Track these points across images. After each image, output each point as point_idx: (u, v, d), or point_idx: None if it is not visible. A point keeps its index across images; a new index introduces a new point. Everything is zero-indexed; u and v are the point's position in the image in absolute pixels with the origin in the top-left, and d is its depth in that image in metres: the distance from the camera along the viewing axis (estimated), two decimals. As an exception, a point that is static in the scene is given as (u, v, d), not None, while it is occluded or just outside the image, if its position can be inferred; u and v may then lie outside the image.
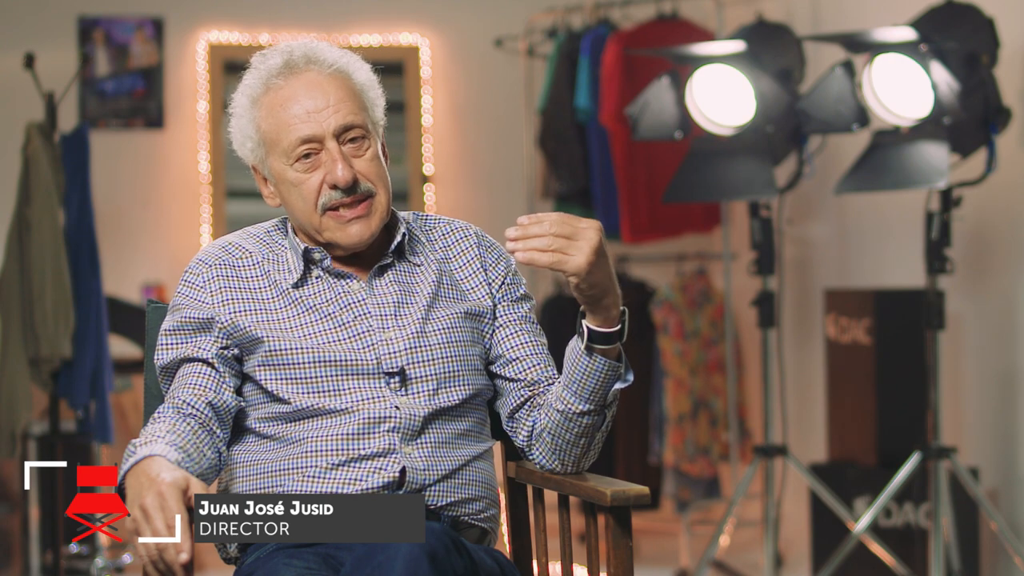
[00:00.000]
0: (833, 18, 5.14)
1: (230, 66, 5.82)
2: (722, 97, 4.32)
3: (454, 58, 6.05)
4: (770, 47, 4.44)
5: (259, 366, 2.24)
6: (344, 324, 2.25)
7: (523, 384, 2.32)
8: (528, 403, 2.32)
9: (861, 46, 4.17)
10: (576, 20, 5.63)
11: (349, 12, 5.99)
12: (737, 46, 4.35)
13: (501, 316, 2.35)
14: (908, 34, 4.00)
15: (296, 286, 2.28)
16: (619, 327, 2.16)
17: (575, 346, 2.19)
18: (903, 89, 4.04)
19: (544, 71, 5.66)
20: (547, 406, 2.27)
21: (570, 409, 2.22)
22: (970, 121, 3.98)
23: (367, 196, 2.25)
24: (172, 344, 2.26)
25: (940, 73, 3.92)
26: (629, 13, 5.55)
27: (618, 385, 2.20)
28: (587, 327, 2.16)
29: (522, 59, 5.82)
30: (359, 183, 2.24)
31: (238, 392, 2.26)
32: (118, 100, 5.78)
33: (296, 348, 2.22)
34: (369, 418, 2.20)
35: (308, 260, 2.29)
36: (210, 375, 2.22)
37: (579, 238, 2.09)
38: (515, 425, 2.33)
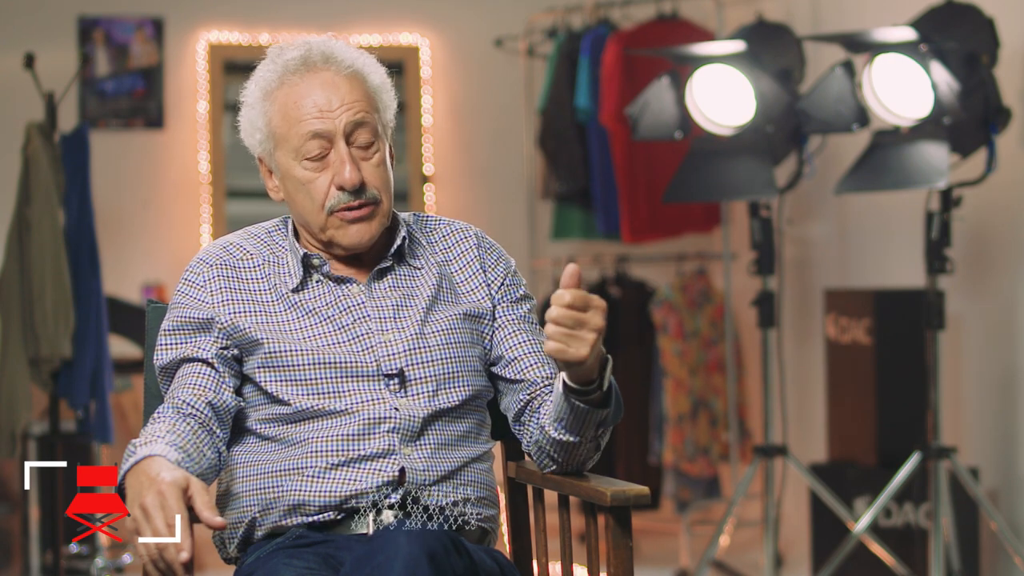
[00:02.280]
0: (833, 18, 5.14)
1: (230, 66, 5.82)
2: (722, 97, 4.32)
3: (454, 58, 6.05)
4: (770, 47, 4.44)
5: (259, 368, 2.24)
6: (343, 327, 2.25)
7: (524, 385, 2.32)
8: (529, 406, 2.31)
9: (861, 46, 4.17)
10: (576, 20, 5.63)
11: (349, 12, 5.99)
12: (737, 46, 4.35)
13: (501, 317, 2.35)
14: (908, 34, 4.00)
15: (296, 290, 2.28)
16: (595, 384, 2.14)
17: (558, 386, 2.17)
18: (903, 89, 4.04)
19: (544, 71, 5.67)
20: (541, 427, 2.26)
21: (560, 437, 2.22)
22: (970, 121, 3.98)
23: (372, 201, 2.25)
24: (171, 344, 2.26)
25: (940, 73, 3.92)
26: (629, 13, 5.55)
27: (605, 424, 2.19)
28: (564, 380, 2.14)
29: (522, 59, 5.82)
30: (366, 188, 2.24)
31: (238, 392, 2.26)
32: (118, 100, 5.78)
33: (296, 350, 2.22)
34: (369, 419, 2.20)
35: (307, 265, 2.29)
36: (210, 375, 2.22)
37: (583, 327, 2.05)
38: (521, 428, 2.33)
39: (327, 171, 2.24)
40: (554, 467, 2.29)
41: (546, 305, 5.98)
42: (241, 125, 2.31)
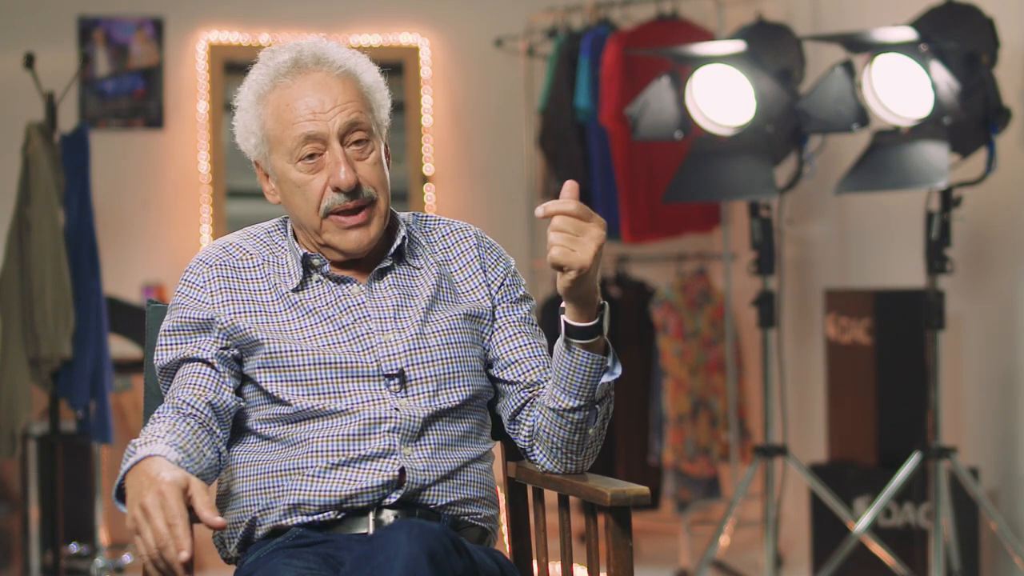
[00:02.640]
0: (833, 18, 5.14)
1: (230, 66, 5.82)
2: (722, 97, 4.32)
3: (454, 58, 6.05)
4: (770, 47, 4.44)
5: (259, 368, 2.24)
6: (344, 327, 2.25)
7: (522, 386, 2.32)
8: (527, 405, 2.31)
9: (861, 46, 4.17)
10: (576, 20, 5.63)
11: (349, 12, 5.99)
12: (737, 46, 4.35)
13: (500, 318, 2.35)
14: (908, 34, 4.01)
15: (296, 290, 2.28)
16: (597, 321, 2.16)
17: (560, 342, 2.20)
18: (903, 89, 4.04)
19: (544, 71, 5.67)
20: (540, 404, 2.27)
21: (560, 405, 2.22)
22: (970, 121, 3.98)
23: (368, 202, 2.25)
24: (172, 344, 2.26)
25: (940, 73, 3.92)
26: (629, 13, 5.55)
27: (605, 378, 2.20)
28: (565, 321, 2.17)
29: (522, 59, 5.82)
30: (361, 188, 2.24)
31: (238, 392, 2.26)
32: (118, 100, 5.78)
33: (296, 350, 2.22)
34: (369, 419, 2.20)
35: (307, 265, 2.29)
36: (210, 375, 2.22)
37: (586, 234, 2.09)
38: (517, 428, 2.33)
39: (322, 172, 2.24)
40: (555, 457, 2.27)
41: (545, 305, 5.94)
42: (236, 129, 2.31)
